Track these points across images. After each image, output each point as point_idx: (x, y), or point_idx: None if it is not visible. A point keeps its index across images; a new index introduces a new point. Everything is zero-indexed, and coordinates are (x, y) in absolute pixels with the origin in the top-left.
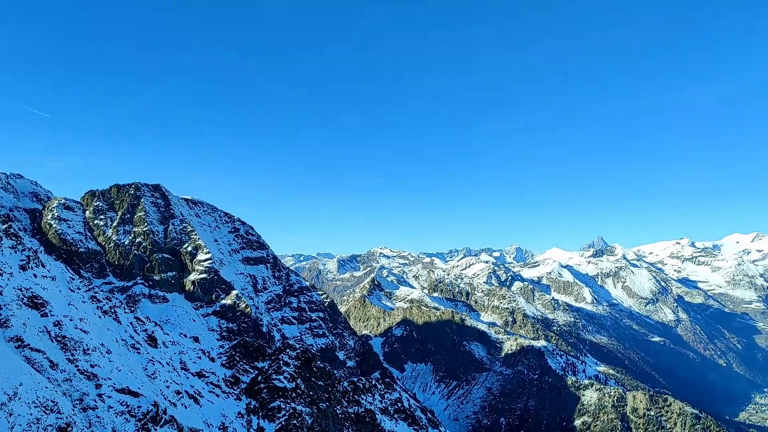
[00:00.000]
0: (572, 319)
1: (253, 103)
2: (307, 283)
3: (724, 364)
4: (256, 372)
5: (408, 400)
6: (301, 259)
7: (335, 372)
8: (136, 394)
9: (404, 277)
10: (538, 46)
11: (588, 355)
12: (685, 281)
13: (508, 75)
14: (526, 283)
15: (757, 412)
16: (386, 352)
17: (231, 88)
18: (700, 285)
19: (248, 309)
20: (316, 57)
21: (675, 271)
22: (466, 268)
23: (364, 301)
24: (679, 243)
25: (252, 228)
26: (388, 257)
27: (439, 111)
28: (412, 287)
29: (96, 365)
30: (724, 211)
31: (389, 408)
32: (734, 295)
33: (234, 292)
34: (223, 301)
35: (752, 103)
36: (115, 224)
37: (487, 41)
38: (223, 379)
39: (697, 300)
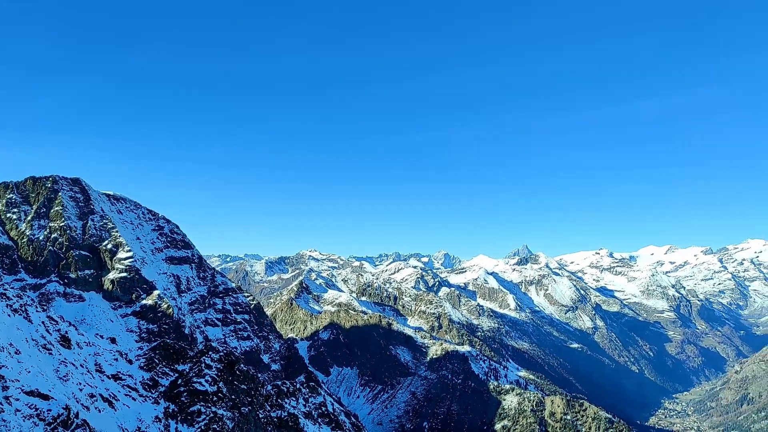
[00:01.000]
0: (496, 325)
1: (179, 99)
2: (234, 285)
3: (637, 371)
4: (176, 375)
5: (332, 405)
6: (228, 260)
7: (259, 375)
8: (46, 397)
9: (333, 280)
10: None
11: (510, 360)
12: (603, 290)
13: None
14: (452, 288)
15: (665, 416)
16: (312, 356)
17: (157, 81)
18: (616, 294)
19: (170, 310)
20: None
21: (594, 280)
22: (395, 272)
23: (292, 304)
24: (599, 253)
25: (177, 227)
26: (318, 260)
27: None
28: (341, 291)
29: (3, 366)
30: (640, 223)
31: (313, 412)
32: (648, 304)
33: (156, 292)
34: (144, 302)
35: (675, 121)
36: (29, 218)
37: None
38: (140, 382)
39: (613, 308)
